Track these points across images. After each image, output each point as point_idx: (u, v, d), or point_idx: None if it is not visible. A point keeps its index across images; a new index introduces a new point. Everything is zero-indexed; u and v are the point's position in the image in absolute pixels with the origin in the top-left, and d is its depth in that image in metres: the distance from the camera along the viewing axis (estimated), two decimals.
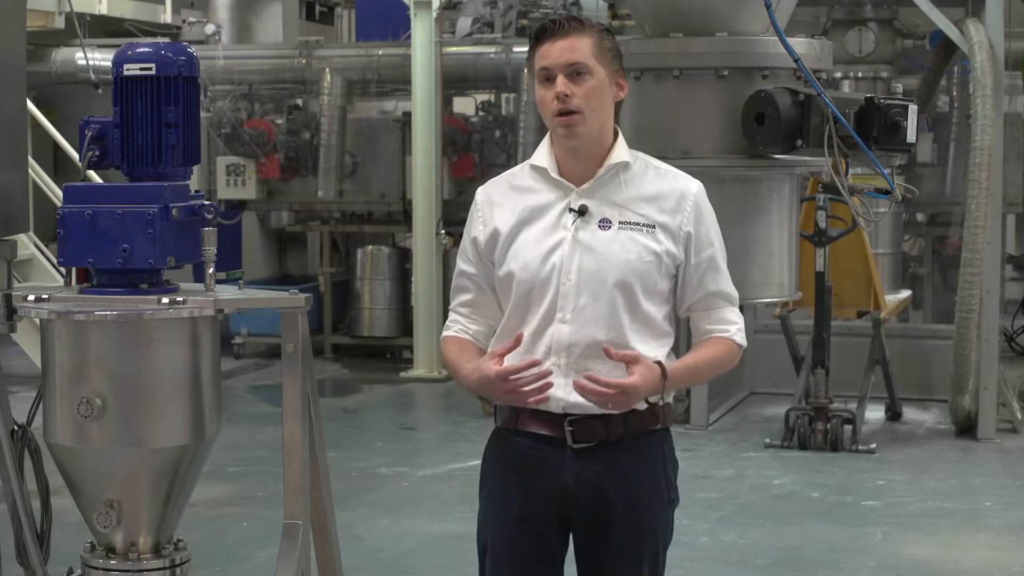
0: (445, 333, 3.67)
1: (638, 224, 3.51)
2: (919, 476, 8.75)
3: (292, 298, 3.80)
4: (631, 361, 3.40)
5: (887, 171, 5.31)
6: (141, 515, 3.72)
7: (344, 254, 14.16)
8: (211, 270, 3.72)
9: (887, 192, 5.44)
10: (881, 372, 10.16)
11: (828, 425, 9.33)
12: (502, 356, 3.42)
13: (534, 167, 3.60)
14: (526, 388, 3.38)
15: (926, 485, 8.52)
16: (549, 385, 3.41)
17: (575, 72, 3.46)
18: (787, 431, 9.47)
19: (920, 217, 13.35)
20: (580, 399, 3.45)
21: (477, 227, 3.62)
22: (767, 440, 9.53)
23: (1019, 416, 9.98)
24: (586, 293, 3.49)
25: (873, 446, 9.35)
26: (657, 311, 3.54)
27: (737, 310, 3.65)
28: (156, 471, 3.69)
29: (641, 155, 3.63)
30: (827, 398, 9.39)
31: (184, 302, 3.62)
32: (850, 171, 5.43)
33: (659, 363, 3.45)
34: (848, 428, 9.40)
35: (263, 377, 12.45)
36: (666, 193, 3.56)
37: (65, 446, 3.68)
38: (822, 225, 9.26)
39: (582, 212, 3.52)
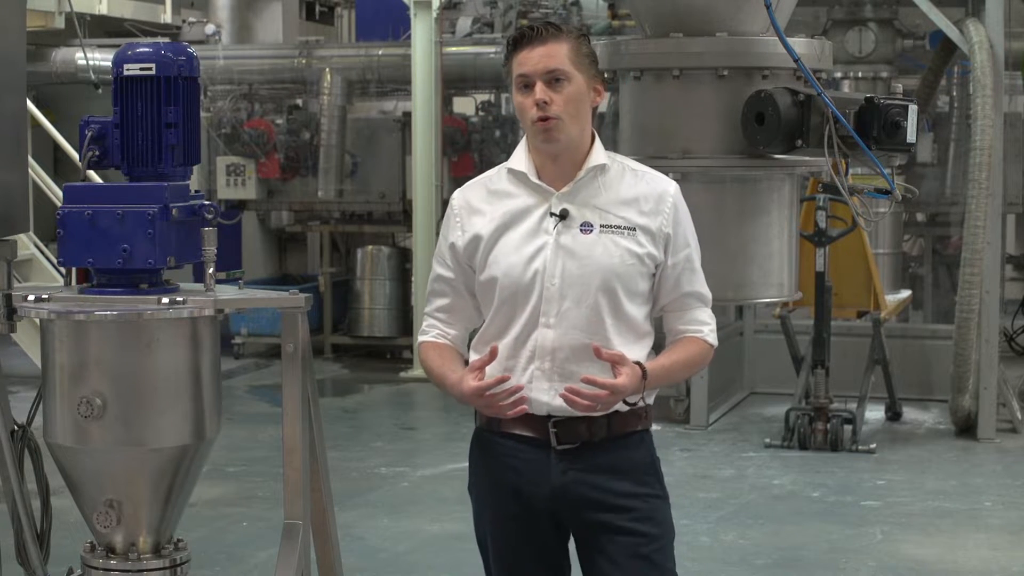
0: (422, 339, 3.68)
1: (619, 227, 3.54)
2: (919, 476, 8.75)
3: (292, 298, 3.80)
4: (617, 361, 3.43)
5: (887, 171, 5.31)
6: (141, 515, 3.72)
7: (344, 254, 14.16)
8: (211, 270, 3.72)
9: (887, 192, 5.43)
10: (881, 372, 10.16)
11: (828, 425, 9.33)
12: (481, 369, 3.45)
13: (512, 171, 3.60)
14: (502, 403, 3.43)
15: (926, 485, 8.52)
16: (523, 399, 3.45)
17: (554, 79, 3.47)
18: (787, 431, 9.47)
19: (920, 217, 13.34)
20: (564, 403, 3.47)
21: (455, 232, 3.62)
22: (767, 440, 9.53)
23: (1019, 416, 9.98)
24: (570, 297, 3.50)
25: (873, 446, 9.35)
26: (638, 312, 3.57)
27: (709, 310, 3.68)
28: (156, 471, 3.69)
29: (617, 156, 3.66)
30: (827, 398, 9.39)
31: (184, 302, 3.62)
32: (850, 171, 5.42)
33: (639, 363, 3.48)
34: (848, 428, 9.40)
35: (263, 377, 12.45)
36: (645, 195, 3.58)
37: (65, 446, 3.68)
38: (822, 225, 9.26)
39: (563, 216, 3.53)
